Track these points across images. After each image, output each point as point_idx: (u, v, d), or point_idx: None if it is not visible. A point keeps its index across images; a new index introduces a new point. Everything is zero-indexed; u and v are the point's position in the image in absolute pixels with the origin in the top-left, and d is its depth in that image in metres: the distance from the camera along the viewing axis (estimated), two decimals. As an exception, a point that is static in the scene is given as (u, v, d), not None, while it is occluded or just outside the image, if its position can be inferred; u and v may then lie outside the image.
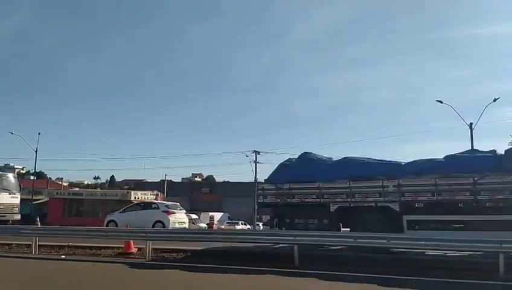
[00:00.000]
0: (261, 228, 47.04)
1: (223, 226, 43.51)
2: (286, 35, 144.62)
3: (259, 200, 16.65)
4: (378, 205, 13.79)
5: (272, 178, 16.49)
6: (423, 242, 10.85)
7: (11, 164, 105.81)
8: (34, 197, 46.89)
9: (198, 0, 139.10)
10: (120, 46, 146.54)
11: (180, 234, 15.09)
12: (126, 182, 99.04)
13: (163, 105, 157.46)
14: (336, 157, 16.40)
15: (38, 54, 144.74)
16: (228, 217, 55.19)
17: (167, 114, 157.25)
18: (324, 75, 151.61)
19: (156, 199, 43.51)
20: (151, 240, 13.38)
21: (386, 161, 15.47)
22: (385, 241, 11.08)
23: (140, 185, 66.00)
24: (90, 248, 14.59)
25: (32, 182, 53.56)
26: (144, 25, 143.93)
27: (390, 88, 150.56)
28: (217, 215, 49.71)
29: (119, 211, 25.10)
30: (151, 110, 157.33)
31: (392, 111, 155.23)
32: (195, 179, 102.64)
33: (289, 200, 15.19)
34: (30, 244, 14.56)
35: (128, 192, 42.57)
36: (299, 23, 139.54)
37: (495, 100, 33.65)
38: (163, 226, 21.72)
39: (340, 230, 14.47)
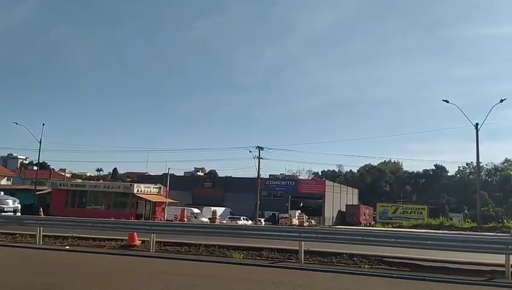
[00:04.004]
0: (263, 223, 47.13)
1: (224, 221, 43.47)
2: (290, 33, 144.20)
3: None
4: None
5: None
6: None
7: (15, 154, 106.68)
8: (37, 188, 47.01)
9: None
10: (126, 41, 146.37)
11: (184, 227, 15.07)
12: (129, 175, 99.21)
13: (167, 99, 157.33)
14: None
15: (44, 46, 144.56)
16: (230, 212, 55.19)
17: (171, 108, 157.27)
18: (328, 72, 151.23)
19: (159, 192, 43.65)
20: (156, 233, 13.38)
21: None
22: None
23: (143, 178, 66.05)
24: (94, 239, 14.60)
25: (36, 173, 53.74)
26: (151, 20, 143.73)
27: (395, 86, 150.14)
28: (219, 210, 49.71)
29: None
30: (154, 104, 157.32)
31: (397, 109, 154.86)
32: (198, 173, 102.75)
33: None
34: (34, 235, 14.59)
35: (131, 185, 42.62)
36: (303, 20, 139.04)
37: (501, 101, 33.56)
38: None
39: None
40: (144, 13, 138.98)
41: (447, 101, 35.46)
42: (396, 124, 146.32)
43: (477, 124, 34.12)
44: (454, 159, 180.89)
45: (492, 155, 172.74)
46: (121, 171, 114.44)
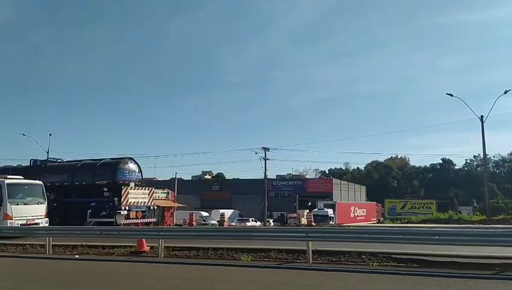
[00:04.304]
0: (272, 224, 47.15)
1: (233, 223, 43.53)
2: (270, 27, 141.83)
3: None
4: None
5: None
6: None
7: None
8: (46, 198, 47.20)
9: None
10: (110, 43, 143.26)
11: (192, 232, 15.12)
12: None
13: (167, 100, 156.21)
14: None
15: (23, 51, 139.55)
16: (238, 214, 55.27)
17: (173, 110, 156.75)
18: (315, 67, 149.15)
19: (167, 197, 43.72)
20: (164, 238, 13.43)
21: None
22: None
23: (151, 183, 66.14)
24: (103, 247, 14.65)
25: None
26: (130, 20, 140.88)
27: (384, 79, 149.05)
28: (227, 213, 49.77)
29: None
30: (156, 107, 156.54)
31: (391, 103, 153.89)
32: (205, 176, 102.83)
33: None
34: (44, 245, 14.71)
35: (139, 191, 42.61)
36: (283, 13, 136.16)
37: (506, 92, 33.25)
38: None
39: None
40: (125, 12, 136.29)
41: (451, 95, 35.29)
42: (401, 119, 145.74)
43: (482, 116, 33.90)
44: (461, 152, 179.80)
45: (500, 147, 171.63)
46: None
